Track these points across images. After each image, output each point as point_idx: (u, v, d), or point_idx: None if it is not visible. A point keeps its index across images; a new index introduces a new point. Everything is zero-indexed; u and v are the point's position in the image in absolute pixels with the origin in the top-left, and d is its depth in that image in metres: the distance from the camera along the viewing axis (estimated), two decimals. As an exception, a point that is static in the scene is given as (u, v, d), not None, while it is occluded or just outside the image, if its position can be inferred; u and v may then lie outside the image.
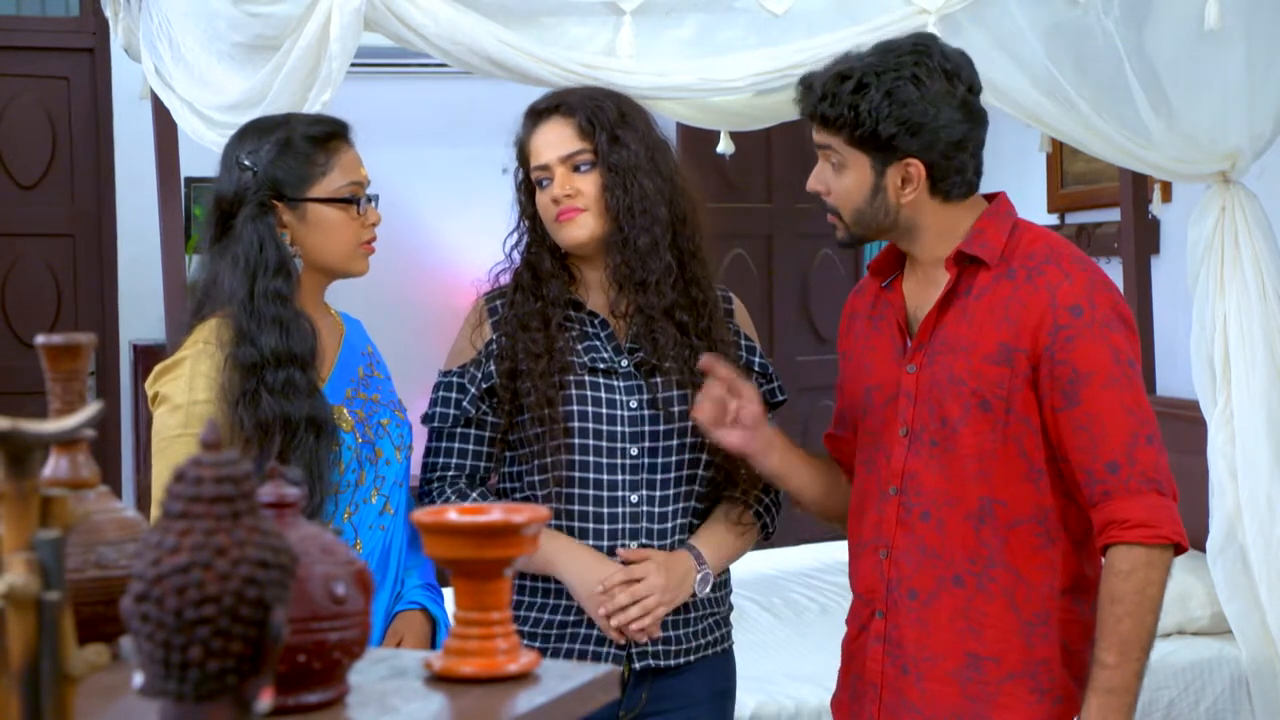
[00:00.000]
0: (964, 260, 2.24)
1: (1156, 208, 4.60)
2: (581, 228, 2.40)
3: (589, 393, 2.42)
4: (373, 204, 2.43)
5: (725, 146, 4.17)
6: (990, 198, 2.31)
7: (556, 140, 2.41)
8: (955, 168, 2.22)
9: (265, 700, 1.02)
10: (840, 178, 2.24)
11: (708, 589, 2.44)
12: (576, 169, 2.40)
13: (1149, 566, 2.14)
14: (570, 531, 2.41)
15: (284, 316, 2.31)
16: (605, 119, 2.41)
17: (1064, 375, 2.17)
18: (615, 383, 2.43)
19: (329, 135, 2.38)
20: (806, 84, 2.25)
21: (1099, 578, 2.25)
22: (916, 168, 2.20)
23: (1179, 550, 2.18)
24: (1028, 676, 2.22)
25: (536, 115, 2.45)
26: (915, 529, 2.25)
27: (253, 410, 2.26)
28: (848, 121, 2.19)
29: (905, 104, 2.17)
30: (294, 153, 2.35)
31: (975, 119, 2.24)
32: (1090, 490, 2.17)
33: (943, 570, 2.23)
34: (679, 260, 2.44)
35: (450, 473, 2.47)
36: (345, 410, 2.38)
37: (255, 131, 2.40)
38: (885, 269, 2.36)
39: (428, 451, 2.50)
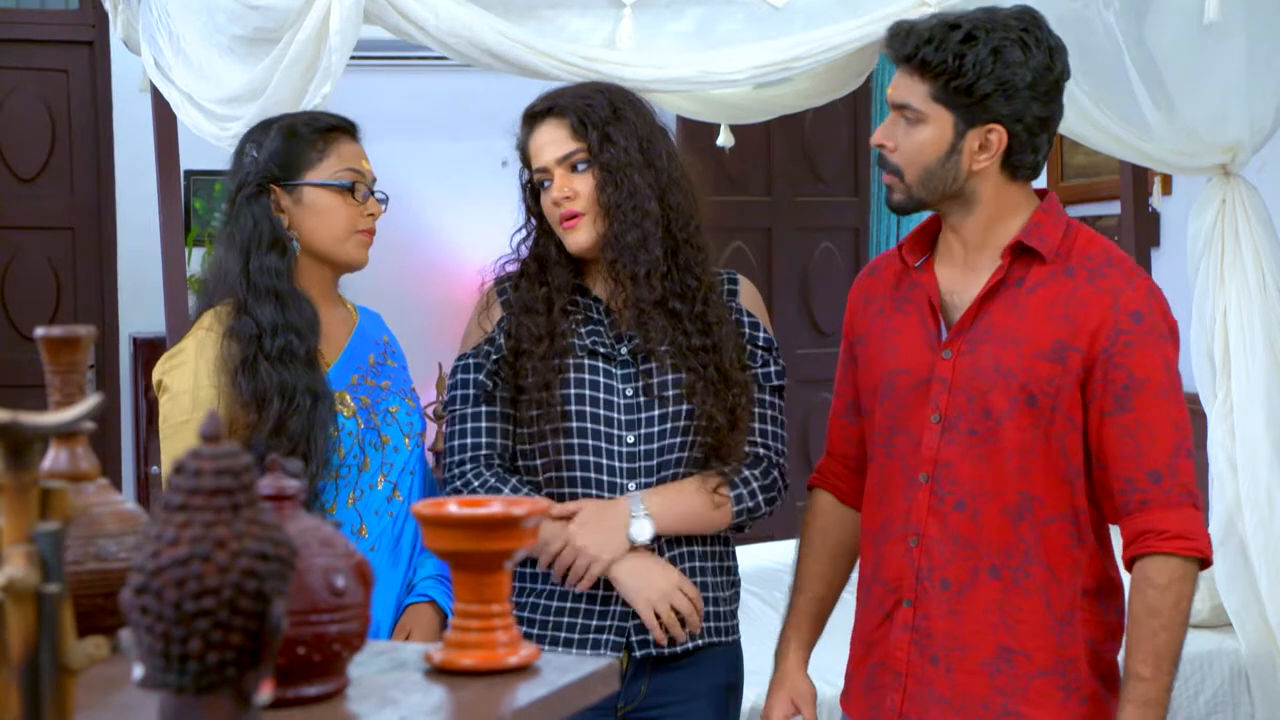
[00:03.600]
0: (1018, 251, 2.21)
1: (1157, 200, 4.60)
2: (583, 232, 2.42)
3: (587, 376, 2.43)
4: (377, 198, 2.47)
5: (725, 139, 4.16)
6: (1041, 194, 2.29)
7: (551, 142, 2.43)
8: (1033, 145, 2.20)
9: (265, 692, 1.02)
10: (914, 133, 2.20)
11: (646, 538, 2.39)
12: (574, 169, 2.42)
13: (1184, 580, 2.15)
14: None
15: (280, 289, 2.37)
16: (597, 117, 2.42)
17: (1118, 380, 2.15)
18: (613, 369, 2.44)
19: (331, 127, 2.44)
20: (905, 29, 2.20)
21: (1119, 582, 2.26)
22: (999, 134, 2.17)
23: (1204, 566, 2.18)
24: (1057, 674, 2.21)
25: (532, 118, 2.47)
26: (949, 518, 2.22)
27: (251, 378, 2.32)
28: (948, 70, 2.15)
29: (1009, 65, 2.14)
30: (293, 138, 2.42)
31: (1060, 104, 2.23)
32: (1127, 498, 2.16)
33: (978, 561, 2.20)
34: (671, 250, 2.44)
35: (482, 451, 2.44)
36: (348, 396, 2.42)
37: (262, 125, 2.49)
38: (918, 250, 2.31)
39: (449, 436, 2.47)
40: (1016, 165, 2.21)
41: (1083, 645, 2.22)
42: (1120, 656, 2.29)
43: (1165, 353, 2.20)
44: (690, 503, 2.42)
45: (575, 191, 2.41)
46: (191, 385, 2.34)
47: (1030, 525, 2.19)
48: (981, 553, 2.20)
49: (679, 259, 2.45)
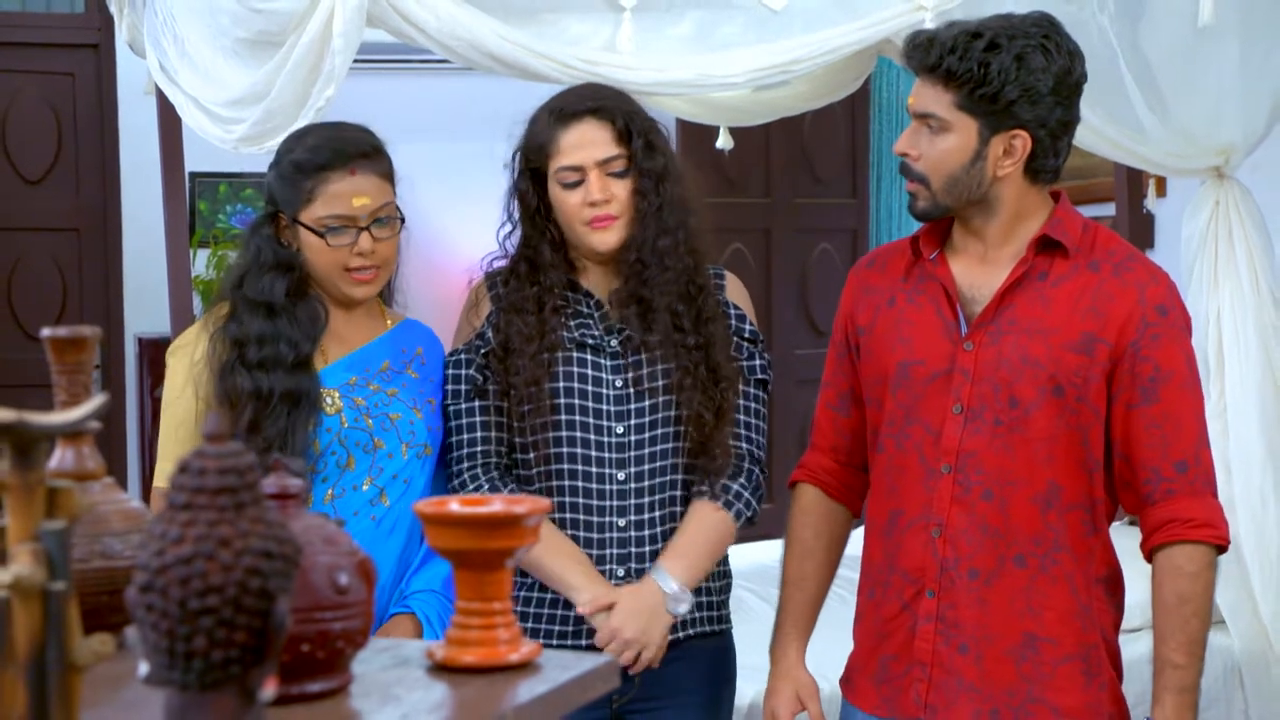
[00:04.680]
0: (1042, 245, 2.22)
1: (1151, 202, 4.60)
2: (615, 234, 2.42)
3: (575, 369, 2.43)
4: (379, 227, 2.41)
5: (724, 142, 4.15)
6: (1054, 195, 2.29)
7: (592, 142, 2.41)
8: (1054, 150, 2.21)
9: (269, 689, 1.02)
10: (938, 141, 2.19)
11: (687, 607, 2.42)
12: (611, 173, 2.41)
13: (1210, 567, 2.18)
14: (560, 508, 2.42)
15: (273, 303, 2.39)
16: (641, 125, 2.43)
17: (1145, 372, 2.17)
18: (602, 360, 2.44)
19: (319, 166, 2.39)
20: (926, 40, 2.20)
21: (1121, 573, 2.28)
22: (1023, 140, 2.17)
23: (1220, 551, 2.21)
24: (1080, 659, 2.22)
25: (568, 115, 2.43)
26: (976, 508, 2.21)
27: (225, 381, 2.36)
28: (974, 78, 2.14)
29: (1032, 72, 2.14)
30: (285, 177, 2.42)
31: (1079, 107, 2.23)
32: (1152, 488, 2.18)
33: (1004, 550, 2.20)
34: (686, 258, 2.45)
35: (479, 448, 2.45)
36: (337, 394, 2.41)
37: (288, 141, 2.49)
38: (932, 242, 2.31)
39: (447, 433, 2.48)
40: (1039, 169, 2.22)
41: (1098, 632, 2.23)
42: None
43: (1186, 346, 2.22)
44: (707, 547, 2.45)
45: (613, 195, 2.40)
46: (186, 366, 2.41)
47: (1058, 514, 2.20)
48: (1009, 541, 2.20)
49: (685, 265, 2.46)
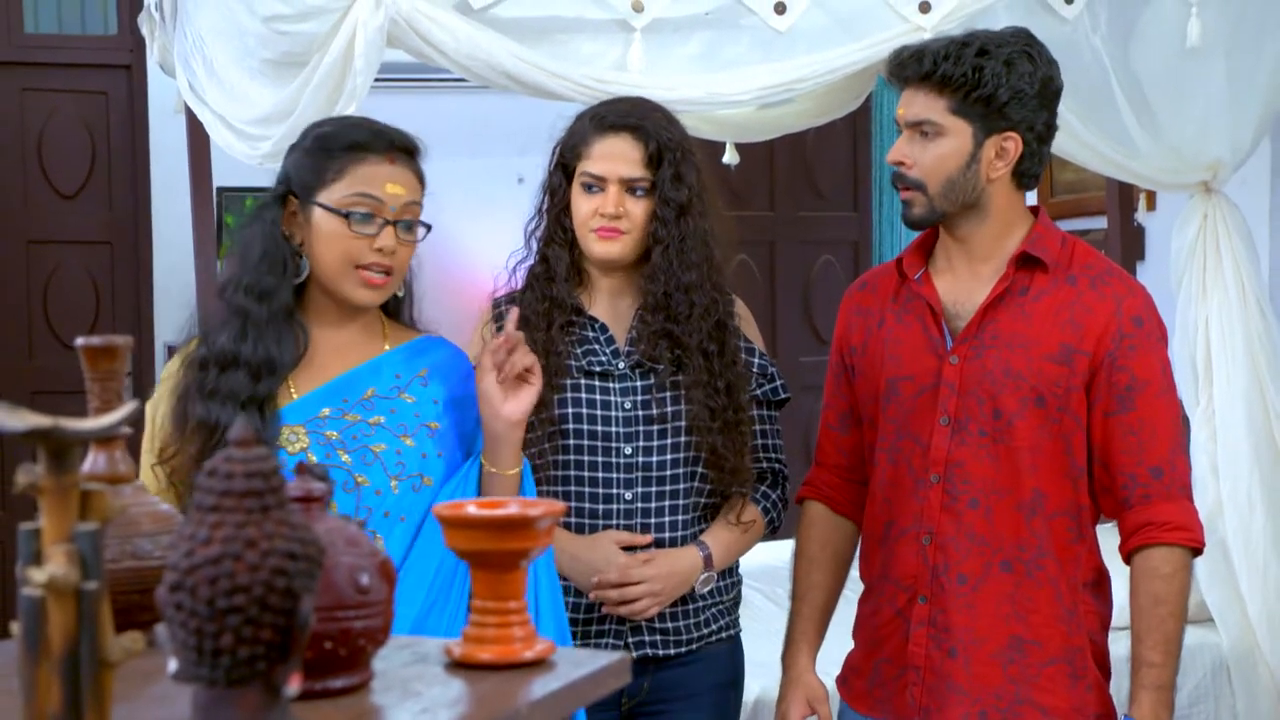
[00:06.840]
0: (1022, 261, 2.22)
1: (1142, 216, 4.59)
2: (618, 246, 2.38)
3: (584, 395, 2.40)
4: (403, 228, 2.13)
5: (731, 157, 4.15)
6: (1033, 210, 2.30)
7: (621, 158, 2.37)
8: (1039, 155, 2.24)
9: (293, 685, 1.01)
10: (933, 146, 2.20)
11: (707, 589, 2.43)
12: (632, 191, 2.37)
13: (1185, 569, 2.18)
14: (566, 528, 2.39)
15: (249, 311, 2.07)
16: (674, 154, 2.37)
17: (1122, 381, 2.18)
18: (610, 384, 2.41)
19: (356, 143, 2.12)
20: (916, 51, 2.21)
21: (1108, 576, 2.27)
22: (1015, 142, 2.19)
23: (1196, 554, 2.22)
24: (1066, 662, 2.22)
25: (606, 126, 2.39)
26: (963, 516, 2.22)
27: (183, 408, 2.08)
28: (968, 82, 2.16)
29: (1021, 76, 2.17)
30: (313, 152, 2.13)
31: (1056, 117, 2.26)
32: (1129, 492, 2.18)
33: (990, 556, 2.21)
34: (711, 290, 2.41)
35: None
36: (303, 430, 2.11)
37: (311, 124, 2.26)
38: (917, 263, 2.32)
39: None
40: (1024, 173, 2.24)
41: (1085, 635, 2.23)
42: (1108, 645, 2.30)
43: (1162, 355, 2.23)
44: (737, 541, 2.46)
45: (626, 212, 2.37)
46: (150, 415, 2.14)
47: (1042, 520, 2.20)
48: (994, 548, 2.21)
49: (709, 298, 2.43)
